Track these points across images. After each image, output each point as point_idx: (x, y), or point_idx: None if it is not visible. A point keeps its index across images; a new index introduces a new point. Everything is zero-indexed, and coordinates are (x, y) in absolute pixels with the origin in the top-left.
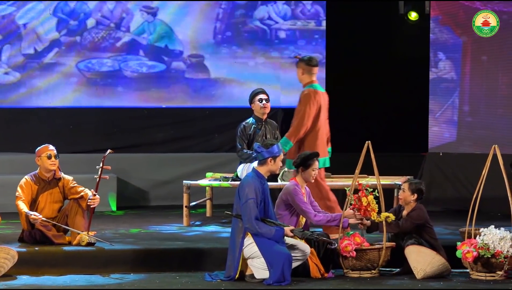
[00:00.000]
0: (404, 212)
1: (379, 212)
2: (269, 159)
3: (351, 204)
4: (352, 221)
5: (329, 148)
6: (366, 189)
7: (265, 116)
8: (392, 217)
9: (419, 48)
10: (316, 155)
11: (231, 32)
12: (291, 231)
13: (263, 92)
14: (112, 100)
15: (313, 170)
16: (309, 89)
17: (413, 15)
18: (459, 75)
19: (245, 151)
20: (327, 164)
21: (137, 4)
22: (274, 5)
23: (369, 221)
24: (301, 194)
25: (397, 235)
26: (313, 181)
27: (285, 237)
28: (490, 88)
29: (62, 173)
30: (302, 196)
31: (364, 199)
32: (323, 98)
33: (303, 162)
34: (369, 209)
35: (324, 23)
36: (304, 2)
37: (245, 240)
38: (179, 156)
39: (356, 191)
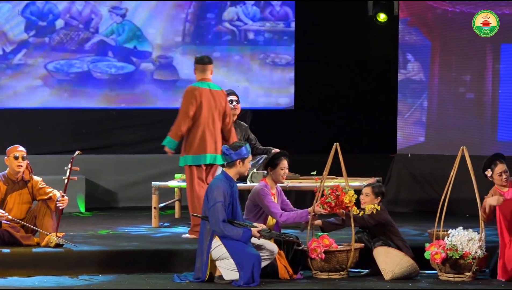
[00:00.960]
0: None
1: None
2: (238, 161)
3: (318, 200)
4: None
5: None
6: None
7: (235, 118)
8: (378, 207)
9: (388, 50)
10: (283, 154)
11: (200, 33)
12: (259, 231)
13: (233, 93)
14: (81, 101)
15: (282, 169)
16: (190, 86)
17: (382, 17)
18: (428, 77)
19: None
20: (210, 161)
21: (106, 5)
22: (243, 6)
23: (320, 221)
24: (270, 194)
25: (363, 236)
26: (283, 181)
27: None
28: (459, 89)
29: (33, 175)
30: (270, 197)
31: (346, 197)
32: (210, 96)
33: (271, 162)
34: (348, 205)
35: (293, 24)
36: (273, 3)
37: (212, 242)
38: (147, 157)
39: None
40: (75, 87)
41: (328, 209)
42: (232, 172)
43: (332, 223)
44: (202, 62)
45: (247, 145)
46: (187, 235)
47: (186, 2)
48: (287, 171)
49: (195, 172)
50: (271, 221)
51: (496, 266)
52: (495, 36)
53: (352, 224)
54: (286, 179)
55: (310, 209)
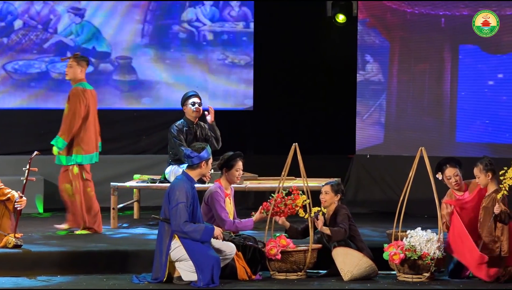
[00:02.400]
0: (327, 215)
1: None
2: (203, 163)
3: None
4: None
5: (99, 143)
6: (302, 192)
7: (196, 120)
8: (325, 211)
9: (347, 51)
10: (239, 155)
11: (159, 33)
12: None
13: (196, 95)
14: (39, 102)
15: (237, 171)
16: (76, 88)
17: (341, 18)
18: (387, 78)
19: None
20: (96, 160)
21: (64, 6)
22: (202, 7)
23: (288, 224)
24: (223, 199)
25: (323, 237)
26: (238, 181)
27: (212, 240)
28: (417, 90)
29: None
30: (223, 203)
31: (299, 200)
32: (92, 95)
33: (226, 163)
34: (297, 208)
35: (252, 25)
36: (232, 4)
37: (172, 243)
38: (106, 158)
39: (290, 193)
40: (33, 87)
41: (278, 214)
42: (194, 173)
43: (299, 231)
44: (88, 63)
45: (208, 146)
46: (63, 226)
47: (145, 2)
48: (241, 172)
49: (83, 170)
50: None
51: (455, 267)
52: (453, 37)
53: (311, 230)
54: (244, 179)
55: (254, 218)
